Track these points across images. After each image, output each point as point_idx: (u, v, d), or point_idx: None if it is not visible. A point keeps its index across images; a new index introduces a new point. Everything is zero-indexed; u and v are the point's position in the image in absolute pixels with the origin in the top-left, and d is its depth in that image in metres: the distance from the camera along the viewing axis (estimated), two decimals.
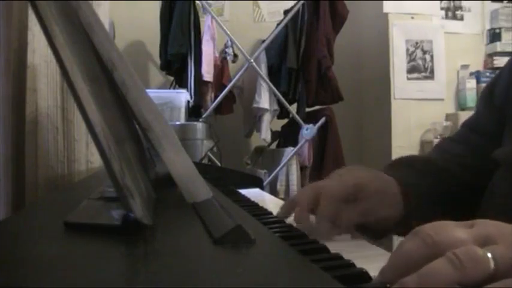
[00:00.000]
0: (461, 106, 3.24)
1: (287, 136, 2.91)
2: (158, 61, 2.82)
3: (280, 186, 2.61)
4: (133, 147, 0.46)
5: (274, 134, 2.95)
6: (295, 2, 2.67)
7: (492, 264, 0.30)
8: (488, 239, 0.32)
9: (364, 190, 0.61)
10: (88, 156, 0.93)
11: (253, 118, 2.82)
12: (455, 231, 0.33)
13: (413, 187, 0.66)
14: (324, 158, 2.70)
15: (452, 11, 3.30)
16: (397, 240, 0.69)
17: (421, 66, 3.17)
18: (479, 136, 0.74)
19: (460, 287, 0.30)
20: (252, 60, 2.55)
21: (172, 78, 2.87)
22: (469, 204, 0.67)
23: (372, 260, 0.39)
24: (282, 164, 2.59)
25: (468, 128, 0.78)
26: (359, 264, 0.36)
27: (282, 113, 2.82)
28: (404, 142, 3.10)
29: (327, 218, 0.57)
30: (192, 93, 2.56)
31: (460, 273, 0.30)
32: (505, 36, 3.26)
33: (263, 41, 2.71)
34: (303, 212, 0.59)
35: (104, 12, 1.00)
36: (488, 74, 3.25)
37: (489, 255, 0.30)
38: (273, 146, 3.04)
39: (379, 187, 0.62)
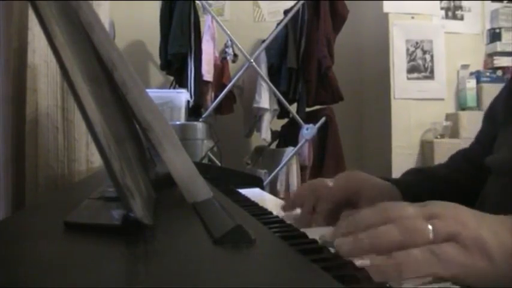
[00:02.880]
0: (462, 106, 3.24)
1: (287, 136, 2.91)
2: (158, 61, 2.82)
3: (280, 186, 2.61)
4: (133, 147, 0.46)
5: (274, 134, 2.95)
6: (295, 2, 2.67)
7: (431, 235, 0.36)
8: (433, 216, 0.37)
9: (363, 195, 0.63)
10: (88, 156, 0.93)
11: (253, 118, 2.82)
12: (407, 207, 0.39)
13: (413, 189, 0.67)
14: (324, 158, 2.70)
15: (452, 11, 3.30)
16: None
17: (421, 66, 3.17)
18: (481, 148, 0.76)
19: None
20: (252, 60, 2.55)
21: (172, 78, 2.87)
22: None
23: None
24: (282, 164, 2.59)
25: (475, 143, 0.81)
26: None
27: (282, 113, 2.82)
28: (404, 142, 3.10)
29: (326, 221, 0.59)
30: (192, 93, 2.56)
31: (403, 238, 0.36)
32: (505, 36, 3.26)
33: (263, 41, 2.71)
34: (305, 216, 0.60)
35: (104, 12, 1.00)
36: (488, 74, 3.25)
37: (429, 227, 0.36)
38: (273, 146, 3.04)
39: (377, 192, 0.64)
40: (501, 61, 3.23)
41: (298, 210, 0.67)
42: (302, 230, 0.44)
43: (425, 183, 0.71)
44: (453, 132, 3.08)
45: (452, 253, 0.35)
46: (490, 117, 0.76)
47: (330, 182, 0.65)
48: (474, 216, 0.38)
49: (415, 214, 0.38)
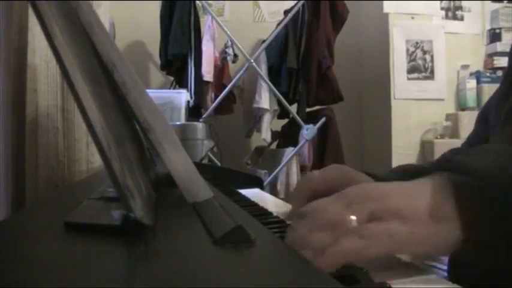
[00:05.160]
0: (461, 106, 3.24)
1: (287, 136, 2.91)
2: (158, 61, 2.82)
3: (280, 186, 2.61)
4: (133, 147, 0.46)
5: (274, 134, 2.95)
6: (295, 2, 2.67)
7: (355, 222, 0.37)
8: (350, 202, 0.39)
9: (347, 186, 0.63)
10: (88, 156, 0.93)
11: (253, 118, 2.82)
12: (324, 205, 0.41)
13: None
14: (324, 158, 2.70)
15: (453, 11, 3.30)
16: None
17: (421, 66, 3.17)
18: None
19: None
20: (252, 60, 2.55)
21: (172, 78, 2.87)
22: None
23: (372, 260, 0.39)
24: (282, 164, 2.59)
25: (466, 143, 0.82)
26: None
27: (282, 113, 2.82)
28: (404, 142, 3.10)
29: None
30: (192, 93, 2.56)
31: (333, 237, 0.36)
32: (505, 36, 3.26)
33: (263, 41, 2.71)
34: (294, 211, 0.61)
35: (104, 12, 1.00)
36: (488, 74, 3.25)
37: (352, 217, 0.38)
38: (273, 146, 3.04)
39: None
40: (501, 61, 3.23)
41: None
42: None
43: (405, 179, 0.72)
44: (453, 132, 3.09)
45: (375, 229, 0.37)
46: (482, 119, 0.77)
47: (318, 177, 0.66)
48: (384, 187, 0.42)
49: (335, 208, 0.40)
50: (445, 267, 0.50)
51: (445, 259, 0.45)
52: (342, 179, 0.65)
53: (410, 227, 0.37)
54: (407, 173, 0.73)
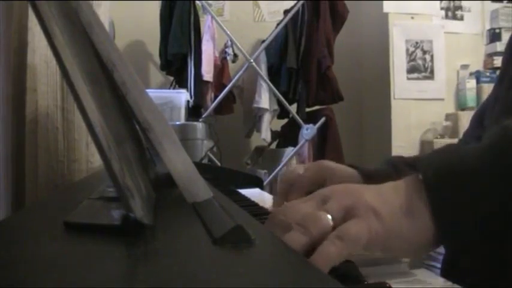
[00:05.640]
0: (461, 106, 3.24)
1: (287, 136, 2.91)
2: (158, 61, 2.82)
3: None
4: (133, 147, 0.46)
5: (274, 134, 2.95)
6: (295, 2, 2.67)
7: (331, 221, 0.38)
8: (325, 199, 0.40)
9: (330, 184, 0.64)
10: (88, 156, 0.93)
11: (253, 118, 2.82)
12: (299, 205, 0.41)
13: (373, 172, 0.69)
14: (324, 158, 2.69)
15: (452, 11, 3.30)
16: None
17: (421, 66, 3.17)
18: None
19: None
20: (252, 60, 2.55)
21: (172, 78, 2.87)
22: None
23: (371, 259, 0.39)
24: (282, 164, 2.59)
25: (460, 141, 0.84)
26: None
27: (282, 113, 2.82)
28: (404, 142, 3.10)
29: None
30: (192, 93, 2.56)
31: (308, 235, 0.37)
32: (505, 36, 3.26)
33: (263, 41, 2.71)
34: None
35: (104, 12, 1.00)
36: (488, 74, 3.25)
37: (328, 216, 0.38)
38: (273, 146, 3.03)
39: (342, 182, 0.65)
40: (501, 61, 3.23)
41: None
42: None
43: (389, 171, 0.73)
44: (453, 132, 3.08)
45: (352, 229, 0.37)
46: (478, 118, 0.78)
47: (301, 172, 0.68)
48: (360, 188, 0.42)
49: (310, 207, 0.40)
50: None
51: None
52: (323, 174, 0.66)
53: (386, 223, 0.38)
54: (396, 165, 0.74)
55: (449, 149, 0.48)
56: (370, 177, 0.68)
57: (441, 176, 0.39)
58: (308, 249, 0.37)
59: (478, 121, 0.78)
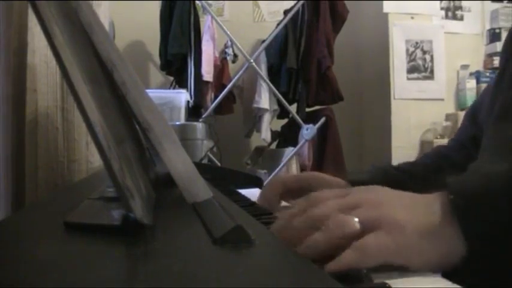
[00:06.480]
0: (461, 106, 3.24)
1: (287, 136, 2.91)
2: (158, 61, 2.82)
3: None
4: (133, 147, 0.46)
5: (274, 134, 2.95)
6: (295, 2, 2.67)
7: (358, 225, 0.38)
8: (356, 205, 0.40)
9: (312, 185, 0.66)
10: (88, 156, 0.93)
11: (253, 118, 2.82)
12: (329, 204, 0.41)
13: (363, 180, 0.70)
14: (324, 158, 2.70)
15: (452, 11, 3.30)
16: None
17: (421, 66, 3.16)
18: (458, 145, 0.80)
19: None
20: (252, 60, 2.55)
21: (172, 78, 2.87)
22: None
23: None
24: (282, 164, 2.59)
25: (452, 140, 0.85)
26: None
27: (282, 113, 2.82)
28: (404, 142, 3.10)
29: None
30: (192, 93, 2.56)
31: (333, 239, 0.38)
32: (504, 36, 3.25)
33: (263, 41, 2.71)
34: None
35: (104, 12, 1.00)
36: (488, 74, 3.25)
37: (356, 219, 0.38)
38: (273, 146, 3.03)
39: (324, 183, 0.67)
40: (498, 61, 3.23)
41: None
42: None
43: (381, 179, 0.73)
44: (453, 132, 3.08)
45: (376, 242, 0.37)
46: (471, 117, 0.79)
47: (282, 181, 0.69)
48: (392, 196, 0.43)
49: (339, 208, 0.40)
50: None
51: None
52: (313, 179, 0.67)
53: (410, 240, 0.38)
54: (387, 174, 0.74)
55: (478, 172, 0.48)
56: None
57: (472, 208, 0.39)
58: (329, 252, 0.37)
59: (470, 119, 0.79)
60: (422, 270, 0.38)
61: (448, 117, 3.16)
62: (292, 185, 0.68)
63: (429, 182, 0.73)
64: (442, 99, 3.21)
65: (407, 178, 0.73)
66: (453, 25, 3.28)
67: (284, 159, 2.60)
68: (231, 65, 2.89)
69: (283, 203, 0.70)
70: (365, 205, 0.40)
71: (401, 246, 0.38)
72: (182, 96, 2.33)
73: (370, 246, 0.37)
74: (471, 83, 3.22)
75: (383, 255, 0.37)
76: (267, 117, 2.71)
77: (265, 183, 0.69)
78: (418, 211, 0.40)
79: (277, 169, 2.58)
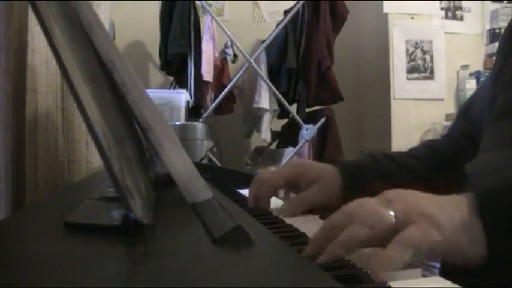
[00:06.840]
0: None
1: (287, 136, 2.91)
2: (158, 61, 2.82)
3: None
4: (133, 147, 0.46)
5: (274, 134, 2.95)
6: (295, 2, 2.67)
7: (393, 219, 0.39)
8: (390, 201, 0.41)
9: (303, 179, 0.67)
10: (88, 156, 0.93)
11: (253, 118, 2.82)
12: (366, 201, 0.42)
13: (351, 166, 0.72)
14: (324, 158, 2.70)
15: (452, 11, 3.30)
16: None
17: (421, 67, 3.16)
18: (451, 140, 0.81)
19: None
20: (252, 61, 2.54)
21: (172, 78, 2.87)
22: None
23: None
24: (282, 164, 2.59)
25: (444, 134, 0.86)
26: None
27: (282, 113, 2.82)
28: (404, 142, 3.10)
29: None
30: (192, 93, 2.56)
31: (371, 230, 0.38)
32: None
33: (263, 41, 2.71)
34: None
35: (104, 12, 1.00)
36: (488, 74, 3.24)
37: (391, 212, 0.39)
38: (273, 146, 3.03)
39: (316, 175, 0.68)
40: (495, 60, 3.22)
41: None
42: None
43: (370, 166, 0.74)
44: None
45: (415, 235, 0.37)
46: (465, 114, 0.79)
47: (272, 172, 0.70)
48: (425, 197, 0.43)
49: (375, 204, 0.41)
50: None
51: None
52: (297, 169, 0.68)
53: (446, 233, 0.39)
54: (374, 157, 0.74)
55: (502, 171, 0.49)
56: (349, 171, 0.70)
57: (495, 204, 0.41)
58: (367, 244, 0.38)
59: (463, 116, 0.80)
60: (458, 262, 0.40)
61: (448, 117, 3.16)
62: (292, 179, 0.68)
63: (416, 171, 0.74)
64: (442, 100, 3.21)
65: (394, 166, 0.75)
66: (453, 25, 3.28)
67: (284, 159, 2.60)
68: (231, 65, 2.89)
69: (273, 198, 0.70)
70: (398, 200, 0.41)
71: (439, 240, 0.38)
72: (182, 97, 2.33)
73: (411, 239, 0.37)
74: (471, 83, 3.22)
75: (423, 249, 0.37)
76: (267, 117, 2.70)
77: (253, 180, 0.69)
78: (450, 207, 0.41)
79: None
